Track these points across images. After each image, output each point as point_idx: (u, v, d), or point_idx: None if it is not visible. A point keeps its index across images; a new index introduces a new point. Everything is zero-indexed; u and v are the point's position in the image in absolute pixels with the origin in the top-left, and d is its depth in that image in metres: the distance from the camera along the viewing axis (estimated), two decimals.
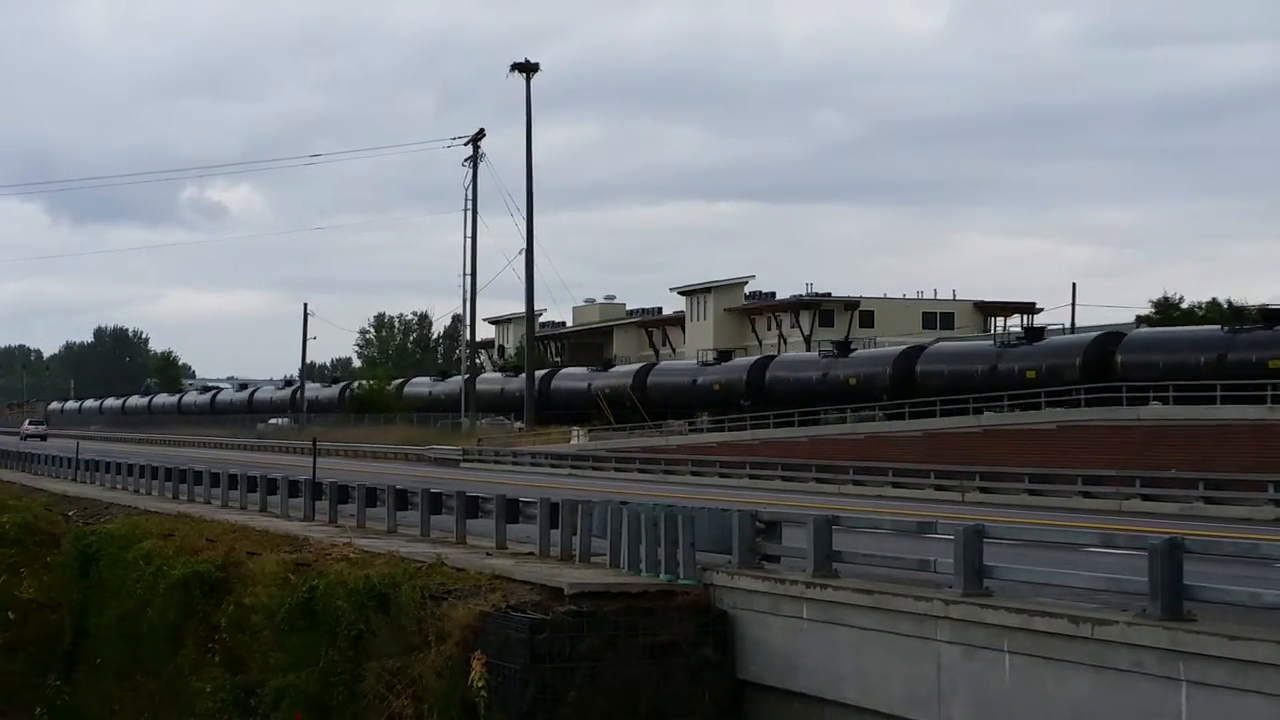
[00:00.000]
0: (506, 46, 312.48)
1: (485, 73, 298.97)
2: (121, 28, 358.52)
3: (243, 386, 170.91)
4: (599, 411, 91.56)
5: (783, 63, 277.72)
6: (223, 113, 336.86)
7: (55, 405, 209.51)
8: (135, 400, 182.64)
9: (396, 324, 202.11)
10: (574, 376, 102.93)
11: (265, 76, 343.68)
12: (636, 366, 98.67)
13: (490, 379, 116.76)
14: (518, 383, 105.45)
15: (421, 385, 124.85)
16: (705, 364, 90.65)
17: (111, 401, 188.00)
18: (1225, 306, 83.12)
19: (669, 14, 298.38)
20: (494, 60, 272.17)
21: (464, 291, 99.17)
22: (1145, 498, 40.09)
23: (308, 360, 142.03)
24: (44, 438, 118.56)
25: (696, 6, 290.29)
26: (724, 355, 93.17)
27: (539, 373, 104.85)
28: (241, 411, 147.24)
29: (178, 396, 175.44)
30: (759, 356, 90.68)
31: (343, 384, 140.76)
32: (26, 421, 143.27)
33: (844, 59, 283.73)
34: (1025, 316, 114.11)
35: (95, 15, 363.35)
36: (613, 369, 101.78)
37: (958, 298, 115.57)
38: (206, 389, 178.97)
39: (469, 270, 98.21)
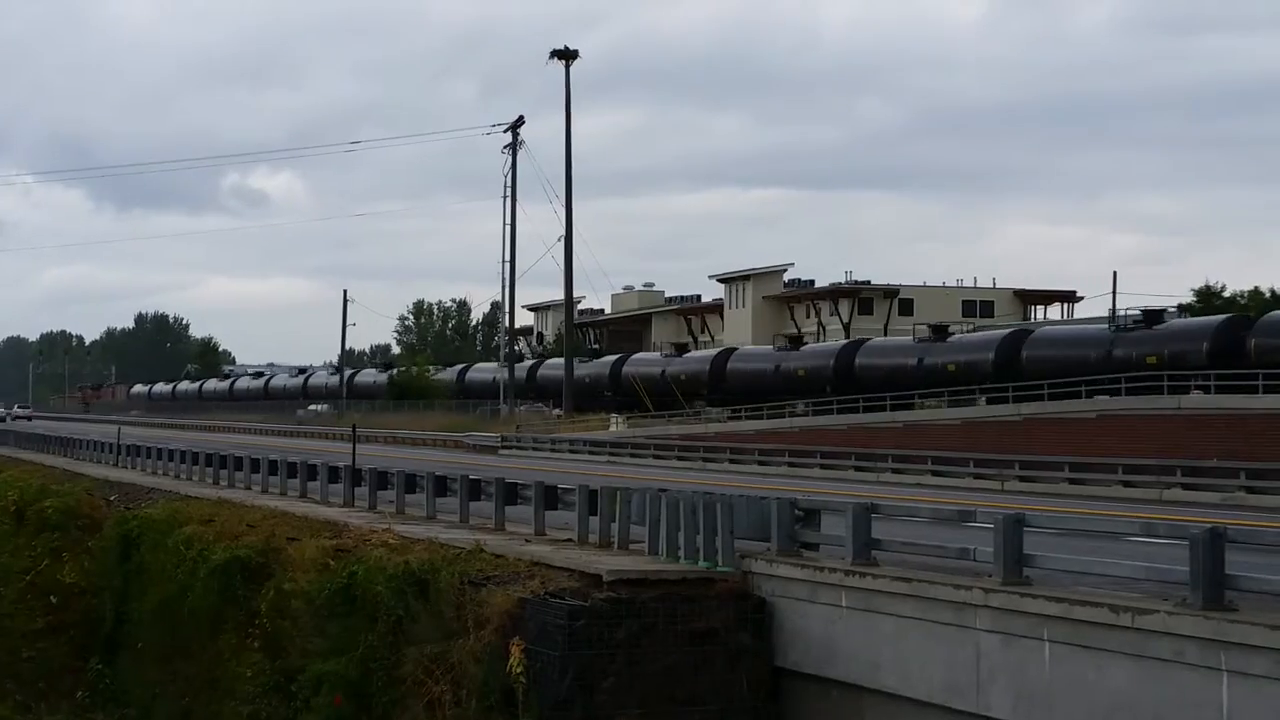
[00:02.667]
0: (548, 33, 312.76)
1: (527, 60, 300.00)
2: (165, 16, 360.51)
3: (259, 375, 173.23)
4: (585, 401, 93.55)
5: (825, 50, 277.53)
6: (265, 100, 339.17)
7: (140, 389, 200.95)
8: (213, 385, 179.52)
9: (436, 311, 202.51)
10: (557, 366, 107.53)
11: (307, 64, 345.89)
12: (614, 358, 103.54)
13: (484, 368, 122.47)
14: (503, 373, 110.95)
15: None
16: (669, 355, 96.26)
17: (214, 384, 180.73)
18: (1268, 295, 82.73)
19: (712, 0, 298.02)
20: (536, 47, 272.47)
21: (503, 278, 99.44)
22: (1186, 487, 39.84)
23: (348, 347, 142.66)
24: (30, 419, 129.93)
25: None
26: (682, 348, 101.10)
27: (530, 364, 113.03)
28: (258, 398, 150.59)
29: (198, 383, 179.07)
30: (722, 349, 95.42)
31: (350, 372, 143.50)
32: (16, 406, 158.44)
33: (887, 46, 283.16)
34: (1065, 305, 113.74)
35: (140, 3, 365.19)
36: (599, 359, 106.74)
37: (998, 285, 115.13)
38: (227, 376, 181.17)
39: (508, 257, 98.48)
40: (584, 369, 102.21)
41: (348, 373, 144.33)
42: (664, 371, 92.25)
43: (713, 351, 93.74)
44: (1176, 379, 55.70)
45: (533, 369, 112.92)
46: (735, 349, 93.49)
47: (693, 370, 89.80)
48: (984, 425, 59.03)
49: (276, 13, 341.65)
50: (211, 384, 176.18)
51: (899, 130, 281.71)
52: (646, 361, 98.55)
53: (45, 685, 36.82)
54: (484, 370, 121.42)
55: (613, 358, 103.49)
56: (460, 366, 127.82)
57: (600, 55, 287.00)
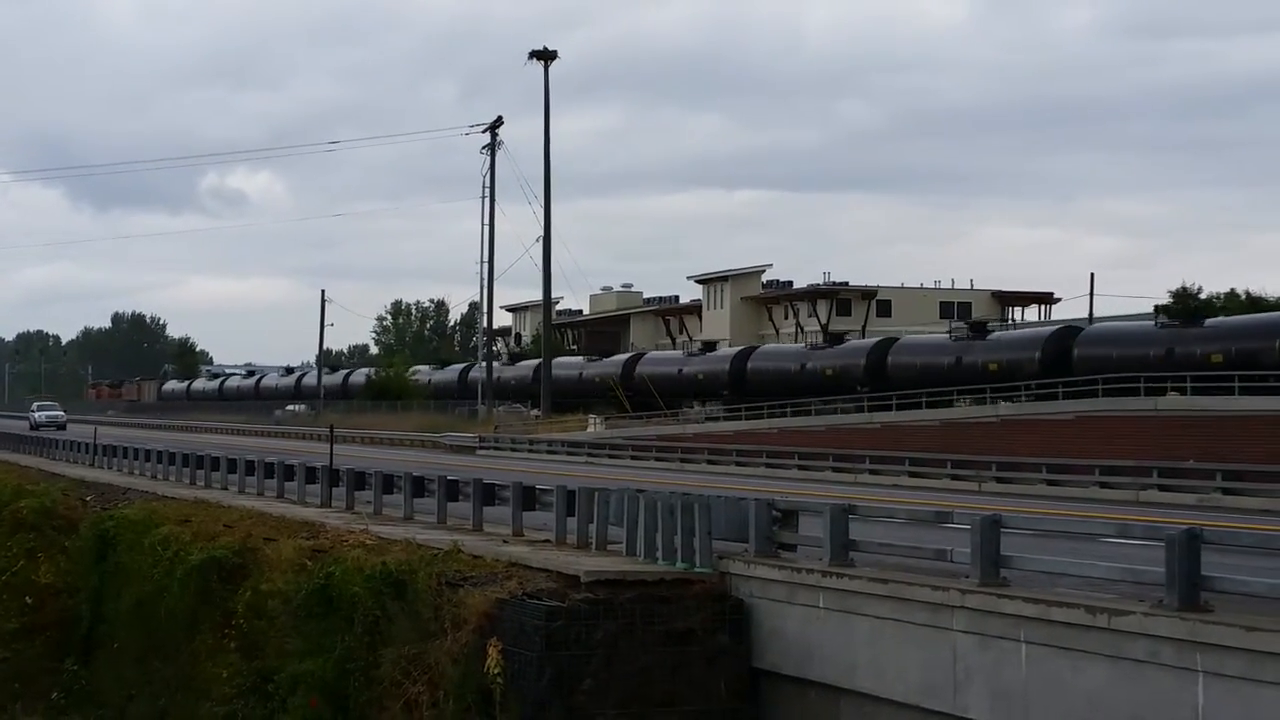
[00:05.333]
0: (530, 34, 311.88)
1: (508, 61, 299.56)
2: (147, 16, 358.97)
3: (214, 376, 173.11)
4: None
5: (807, 52, 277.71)
6: (246, 101, 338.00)
7: (174, 385, 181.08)
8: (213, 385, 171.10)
9: (414, 311, 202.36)
10: (484, 370, 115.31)
11: (288, 65, 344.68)
12: (535, 363, 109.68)
13: (418, 370, 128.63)
14: (444, 374, 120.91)
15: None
16: (591, 359, 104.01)
17: (277, 380, 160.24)
18: (1243, 297, 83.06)
19: (693, 2, 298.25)
20: (516, 48, 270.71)
21: (481, 279, 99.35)
22: (1162, 488, 39.93)
23: (326, 346, 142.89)
24: (62, 427, 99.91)
25: None
26: (606, 353, 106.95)
27: (461, 366, 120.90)
28: (213, 399, 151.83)
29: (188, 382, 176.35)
30: (632, 354, 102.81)
31: (298, 373, 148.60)
32: (35, 406, 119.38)
33: (868, 48, 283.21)
34: (1042, 306, 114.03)
35: (121, 3, 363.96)
36: (522, 362, 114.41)
37: (975, 287, 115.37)
38: (183, 378, 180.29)
39: (486, 257, 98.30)
40: (511, 372, 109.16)
41: (295, 375, 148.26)
42: (581, 374, 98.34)
43: (624, 357, 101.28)
44: (1012, 386, 62.52)
45: (464, 371, 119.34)
46: (644, 354, 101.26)
47: (607, 373, 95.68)
48: (962, 426, 59.15)
49: (256, 13, 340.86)
50: (270, 380, 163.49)
51: (878, 132, 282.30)
52: (567, 365, 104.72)
53: (20, 687, 36.65)
54: (418, 373, 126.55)
55: (534, 362, 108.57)
56: (428, 367, 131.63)
57: (581, 56, 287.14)
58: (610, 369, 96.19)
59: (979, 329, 71.85)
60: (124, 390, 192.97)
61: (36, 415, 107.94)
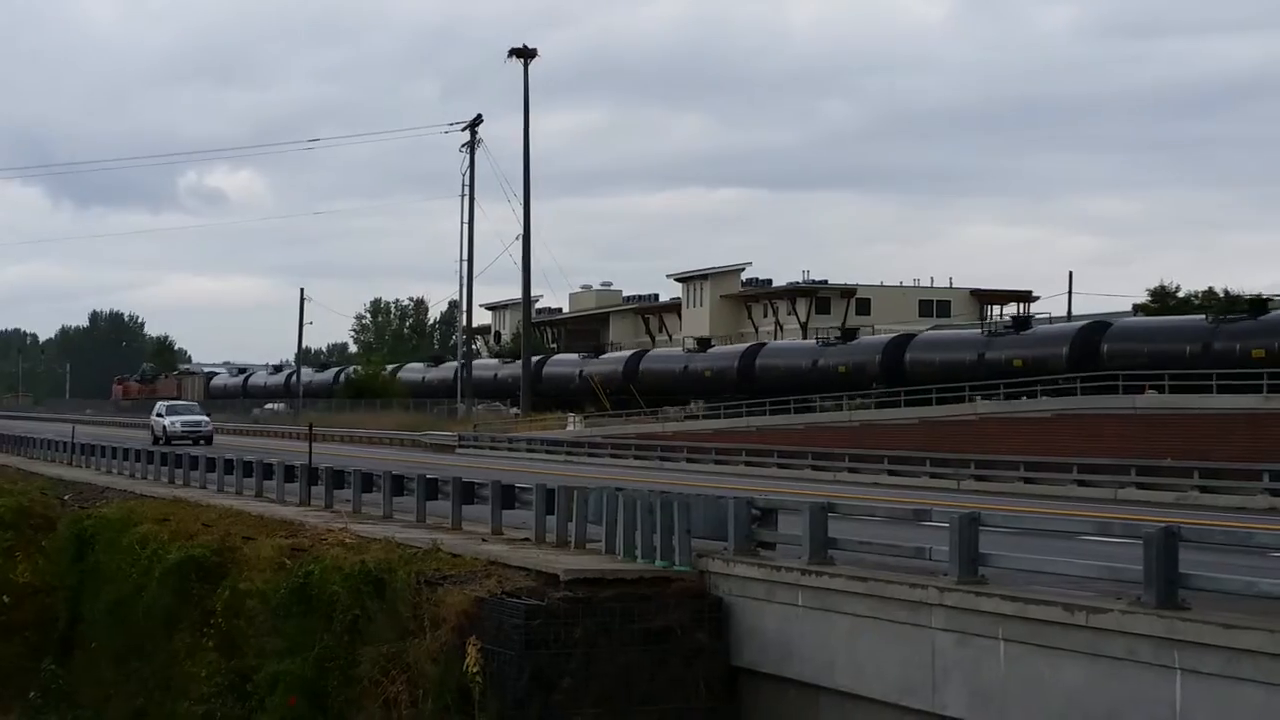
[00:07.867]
0: (513, 34, 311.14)
1: (490, 60, 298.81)
2: (129, 14, 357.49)
3: (276, 369, 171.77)
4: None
5: (789, 51, 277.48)
6: (227, 99, 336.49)
7: (224, 381, 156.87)
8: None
9: (393, 309, 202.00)
10: (411, 370, 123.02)
11: (270, 64, 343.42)
12: (454, 364, 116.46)
13: (415, 368, 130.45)
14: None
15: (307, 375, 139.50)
16: (506, 362, 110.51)
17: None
18: (1221, 295, 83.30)
19: (676, 1, 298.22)
20: (499, 48, 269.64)
21: (461, 277, 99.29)
22: (1140, 486, 40.00)
23: (304, 345, 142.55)
24: (209, 439, 70.63)
25: None
26: (510, 356, 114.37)
27: (393, 367, 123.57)
28: (278, 394, 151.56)
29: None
30: (541, 356, 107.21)
31: (246, 375, 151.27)
32: (163, 408, 76.89)
33: (850, 48, 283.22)
34: (1021, 305, 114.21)
35: (104, 1, 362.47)
36: (441, 365, 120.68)
37: (954, 285, 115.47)
38: (238, 371, 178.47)
39: (466, 256, 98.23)
40: (435, 372, 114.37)
41: (244, 376, 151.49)
42: (496, 375, 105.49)
43: (536, 358, 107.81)
44: (857, 391, 70.46)
45: (395, 370, 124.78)
46: (551, 356, 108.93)
47: (516, 375, 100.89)
48: (941, 424, 59.26)
49: (239, 12, 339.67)
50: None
51: (859, 131, 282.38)
52: (483, 366, 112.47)
53: None
54: (414, 370, 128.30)
55: (453, 363, 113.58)
56: (336, 369, 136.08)
57: (563, 55, 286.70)
58: (518, 371, 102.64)
59: (849, 336, 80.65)
60: (158, 386, 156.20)
61: (168, 422, 72.20)
